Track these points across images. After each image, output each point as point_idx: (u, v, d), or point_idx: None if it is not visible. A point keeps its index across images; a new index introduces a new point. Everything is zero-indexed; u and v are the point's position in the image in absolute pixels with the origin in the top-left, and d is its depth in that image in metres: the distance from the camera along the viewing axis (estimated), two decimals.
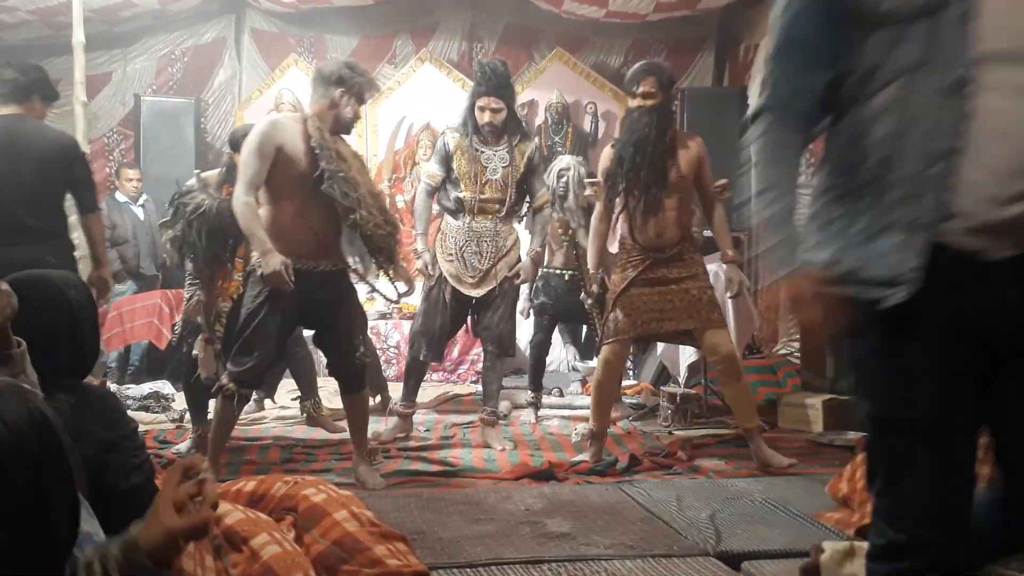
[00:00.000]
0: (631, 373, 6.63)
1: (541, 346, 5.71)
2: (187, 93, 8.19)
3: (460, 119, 4.81)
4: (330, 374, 4.10)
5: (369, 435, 4.85)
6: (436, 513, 3.31)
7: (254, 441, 4.81)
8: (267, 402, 5.79)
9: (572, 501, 3.49)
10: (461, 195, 4.72)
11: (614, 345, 4.26)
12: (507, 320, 4.83)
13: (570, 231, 5.57)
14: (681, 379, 5.75)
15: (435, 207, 5.18)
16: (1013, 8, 1.45)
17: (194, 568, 2.15)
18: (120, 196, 7.16)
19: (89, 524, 1.56)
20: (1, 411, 1.20)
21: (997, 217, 1.43)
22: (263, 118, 3.81)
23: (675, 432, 5.01)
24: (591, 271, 4.51)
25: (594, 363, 6.84)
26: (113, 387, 6.04)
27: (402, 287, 4.18)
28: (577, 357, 7.14)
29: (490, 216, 4.75)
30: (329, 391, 6.01)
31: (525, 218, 5.09)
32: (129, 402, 5.74)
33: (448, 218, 4.85)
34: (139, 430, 2.09)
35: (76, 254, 4.34)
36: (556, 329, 6.23)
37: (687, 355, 5.59)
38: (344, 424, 4.51)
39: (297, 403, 5.48)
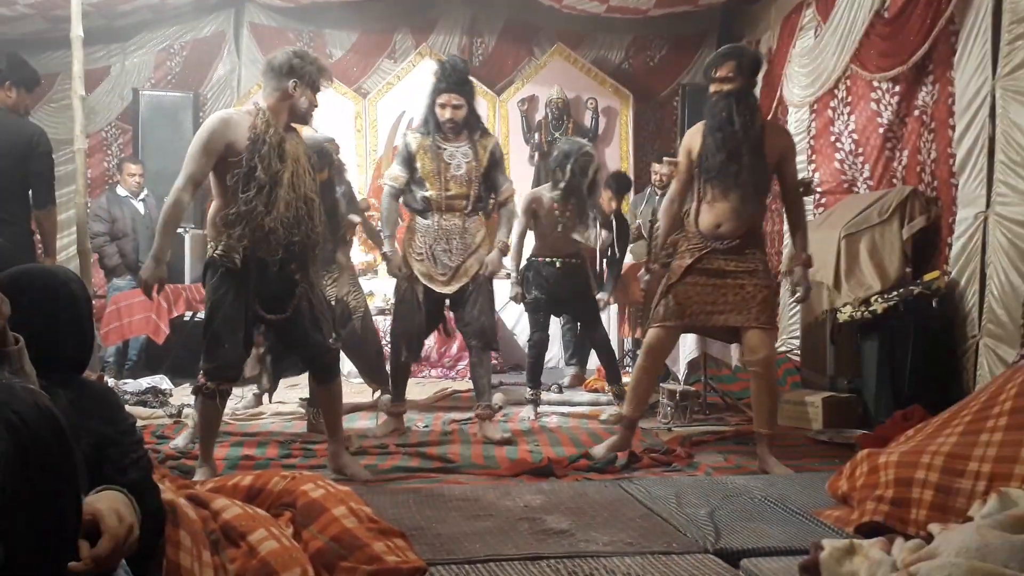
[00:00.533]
0: (630, 369, 6.61)
1: (540, 344, 5.69)
2: (186, 87, 8.19)
3: (420, 118, 4.87)
4: (304, 364, 4.07)
5: (365, 432, 4.88)
6: (434, 509, 3.29)
7: (252, 436, 4.80)
8: (264, 398, 5.78)
9: (571, 498, 3.48)
10: (427, 194, 4.74)
11: (659, 331, 4.16)
12: (487, 313, 4.84)
13: (567, 214, 5.46)
14: (681, 376, 5.74)
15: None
16: None
17: (191, 563, 2.14)
18: (121, 190, 7.15)
19: None
20: (20, 411, 1.22)
21: None
22: (214, 113, 3.76)
23: (674, 429, 5.01)
24: (656, 251, 4.42)
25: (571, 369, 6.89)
26: (111, 382, 6.03)
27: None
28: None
29: (457, 213, 4.76)
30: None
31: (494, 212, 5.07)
32: (127, 397, 5.73)
33: (417, 218, 4.85)
34: (137, 425, 2.08)
35: (71, 251, 4.35)
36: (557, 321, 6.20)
37: (687, 352, 5.58)
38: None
39: (296, 400, 5.47)
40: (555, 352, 7.15)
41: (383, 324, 7.12)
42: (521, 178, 8.50)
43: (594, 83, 8.59)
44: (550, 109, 8.31)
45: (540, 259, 5.62)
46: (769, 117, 7.22)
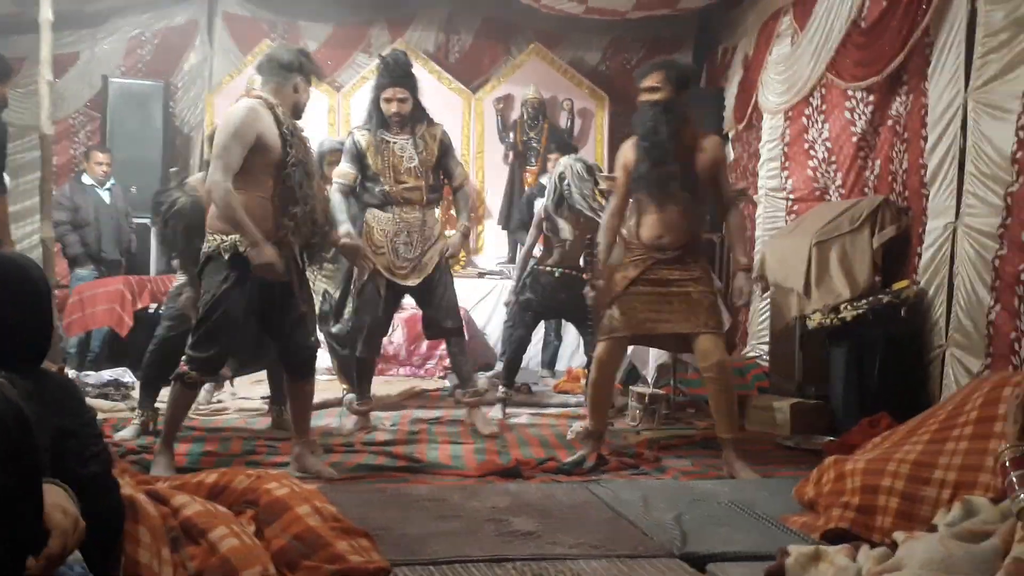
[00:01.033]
0: None
1: (520, 342, 5.68)
2: (156, 76, 8.07)
3: (365, 115, 4.89)
4: (282, 360, 4.08)
5: (331, 430, 4.85)
6: (400, 509, 3.26)
7: (215, 432, 4.74)
8: (227, 384, 5.69)
9: (538, 500, 3.46)
10: (384, 188, 4.75)
11: (608, 343, 4.19)
12: (452, 293, 4.92)
13: (581, 222, 5.46)
14: (650, 379, 5.75)
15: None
16: None
17: (150, 560, 2.10)
18: (86, 179, 7.03)
19: None
20: None
21: None
22: (239, 103, 3.76)
23: (643, 432, 5.00)
24: (600, 267, 4.42)
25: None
26: (72, 373, 5.92)
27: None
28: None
29: (416, 205, 4.80)
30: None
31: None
32: (88, 389, 5.62)
33: (376, 212, 4.83)
34: (97, 418, 2.04)
35: (34, 239, 4.27)
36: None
37: (656, 355, 5.59)
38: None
39: (259, 396, 5.41)
40: (529, 353, 7.13)
41: None
42: (496, 177, 8.50)
43: (570, 84, 8.59)
44: (526, 109, 8.29)
45: (541, 267, 5.62)
46: (744, 123, 7.26)
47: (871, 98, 5.46)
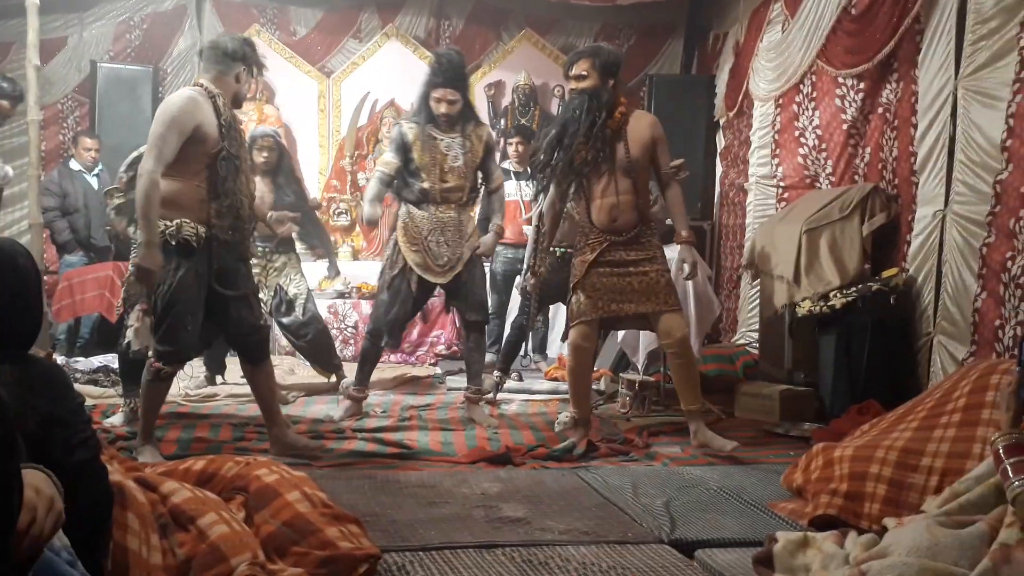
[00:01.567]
0: None
1: (522, 330, 5.69)
2: (145, 61, 7.99)
3: (415, 108, 4.85)
4: (233, 346, 4.09)
5: (322, 417, 4.84)
6: (390, 496, 3.27)
7: (205, 419, 4.73)
8: (217, 378, 5.70)
9: (528, 486, 3.47)
10: (423, 185, 4.72)
11: (580, 327, 4.23)
12: (481, 288, 4.95)
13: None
14: (640, 366, 5.75)
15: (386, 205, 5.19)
16: None
17: (139, 546, 2.10)
18: (74, 164, 6.98)
19: None
20: None
21: None
22: (179, 91, 3.77)
23: (633, 419, 5.02)
24: (541, 254, 4.47)
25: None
26: (61, 360, 5.90)
27: None
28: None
29: (453, 205, 4.78)
30: (283, 369, 5.95)
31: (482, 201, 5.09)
32: (77, 376, 5.62)
33: (411, 208, 4.81)
34: (85, 404, 2.03)
35: (23, 225, 4.25)
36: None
37: (647, 342, 5.59)
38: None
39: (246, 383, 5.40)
40: None
41: (342, 308, 7.07)
42: None
43: (562, 70, 8.55)
44: (517, 95, 8.27)
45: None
46: (735, 110, 7.25)
47: (861, 85, 5.46)
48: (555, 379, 6.23)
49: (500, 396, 5.54)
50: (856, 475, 2.98)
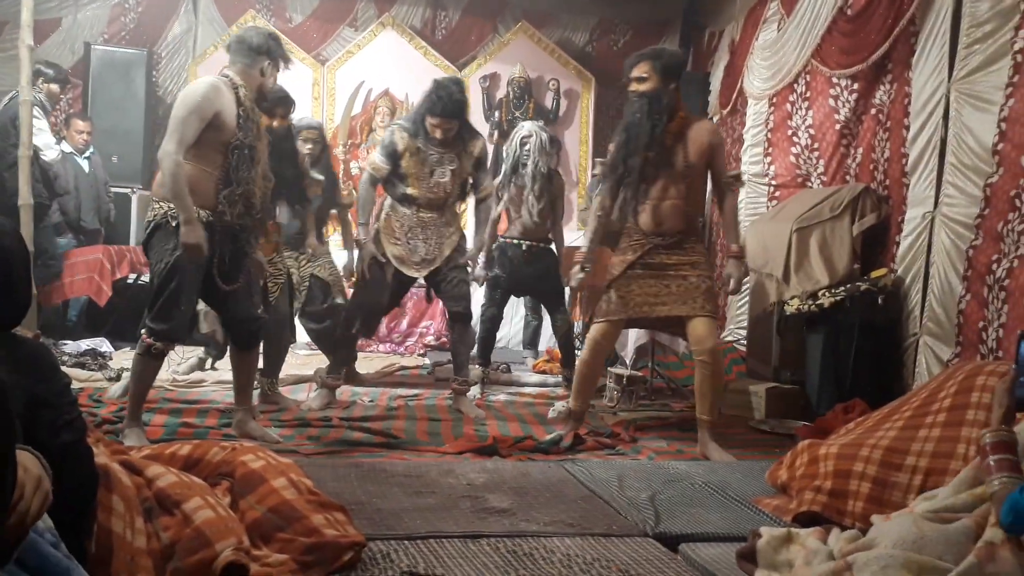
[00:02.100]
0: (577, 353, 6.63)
1: (492, 320, 5.70)
2: (140, 44, 7.97)
3: (411, 119, 4.86)
4: (228, 331, 4.18)
5: (295, 403, 4.88)
6: (377, 484, 3.27)
7: (192, 404, 4.72)
8: (208, 363, 5.68)
9: (514, 477, 3.48)
10: (408, 191, 4.78)
11: (604, 326, 4.20)
12: (465, 280, 4.98)
13: (535, 191, 5.50)
14: (628, 361, 5.77)
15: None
16: None
17: (123, 529, 2.09)
18: (66, 146, 6.93)
19: None
20: None
21: None
22: (203, 79, 3.86)
23: (620, 413, 5.03)
24: (584, 251, 4.38)
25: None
26: (48, 342, 5.88)
27: None
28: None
29: (435, 206, 4.84)
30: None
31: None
32: (64, 358, 5.60)
33: (395, 204, 4.86)
34: (71, 386, 2.02)
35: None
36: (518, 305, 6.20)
37: (635, 337, 5.61)
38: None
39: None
40: (505, 331, 7.13)
41: None
42: None
43: (557, 64, 8.56)
44: (512, 88, 8.27)
45: (508, 240, 5.65)
46: (729, 108, 7.26)
47: (855, 86, 5.47)
48: (543, 372, 6.24)
49: (487, 389, 5.53)
50: (841, 473, 3.00)
